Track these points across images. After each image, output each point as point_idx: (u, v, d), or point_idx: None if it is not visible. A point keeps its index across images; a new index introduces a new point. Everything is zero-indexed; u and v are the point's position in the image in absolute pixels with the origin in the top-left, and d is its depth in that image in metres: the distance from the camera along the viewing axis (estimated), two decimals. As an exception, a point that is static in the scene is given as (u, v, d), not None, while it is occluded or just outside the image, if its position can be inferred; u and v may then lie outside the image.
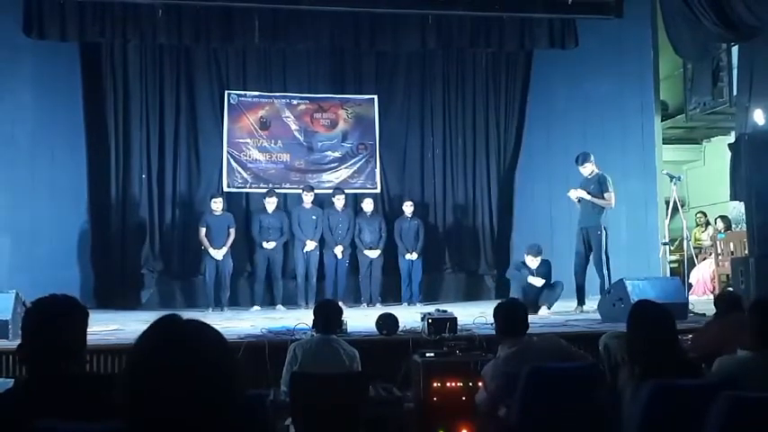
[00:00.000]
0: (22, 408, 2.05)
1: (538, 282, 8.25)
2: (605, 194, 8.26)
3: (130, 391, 1.28)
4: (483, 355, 4.93)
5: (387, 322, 6.02)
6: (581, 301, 8.28)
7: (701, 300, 9.17)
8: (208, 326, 1.36)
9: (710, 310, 5.95)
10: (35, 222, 9.56)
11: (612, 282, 7.73)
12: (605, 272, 8.12)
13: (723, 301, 5.18)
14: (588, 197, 8.28)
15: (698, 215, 11.76)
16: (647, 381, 2.95)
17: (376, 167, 11.01)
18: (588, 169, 8.43)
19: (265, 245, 9.65)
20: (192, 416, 1.25)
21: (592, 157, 8.47)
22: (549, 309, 8.13)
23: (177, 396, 1.25)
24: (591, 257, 8.27)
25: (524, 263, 8.43)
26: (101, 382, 2.21)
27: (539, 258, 8.37)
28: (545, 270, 8.36)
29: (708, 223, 11.49)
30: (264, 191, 10.18)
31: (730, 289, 7.70)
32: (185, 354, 1.29)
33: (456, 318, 5.91)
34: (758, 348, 3.30)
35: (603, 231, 8.22)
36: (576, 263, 8.40)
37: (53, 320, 2.23)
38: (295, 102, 10.91)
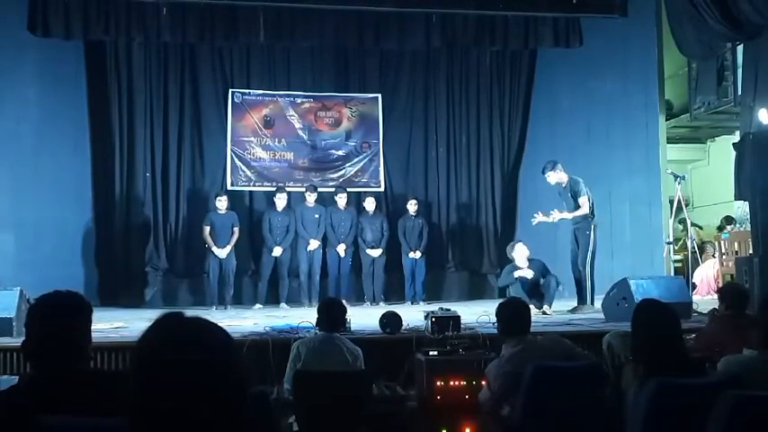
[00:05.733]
0: (26, 404, 2.06)
1: (528, 273, 8.19)
2: (579, 199, 8.24)
3: (134, 390, 1.28)
4: (486, 353, 4.92)
5: (390, 321, 6.02)
6: (581, 300, 8.21)
7: (705, 299, 9.16)
8: (212, 323, 1.36)
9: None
10: (39, 220, 9.57)
11: (593, 286, 7.92)
12: (587, 274, 8.12)
13: (731, 293, 4.91)
14: (568, 216, 8.29)
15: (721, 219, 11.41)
16: (650, 379, 2.95)
17: (380, 166, 11.00)
18: (553, 178, 8.42)
19: (275, 252, 9.60)
20: (197, 415, 1.24)
21: (559, 166, 8.43)
22: (550, 307, 8.08)
23: (183, 394, 1.24)
24: (578, 256, 8.25)
25: (514, 265, 8.33)
26: (105, 378, 2.22)
27: (523, 250, 8.32)
28: (537, 268, 8.30)
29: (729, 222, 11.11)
30: (268, 189, 10.19)
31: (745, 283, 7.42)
32: (191, 351, 1.28)
33: (459, 316, 5.89)
34: (764, 347, 3.28)
35: (592, 232, 8.20)
36: (572, 260, 8.38)
37: (57, 316, 2.23)
38: (299, 100, 10.91)
